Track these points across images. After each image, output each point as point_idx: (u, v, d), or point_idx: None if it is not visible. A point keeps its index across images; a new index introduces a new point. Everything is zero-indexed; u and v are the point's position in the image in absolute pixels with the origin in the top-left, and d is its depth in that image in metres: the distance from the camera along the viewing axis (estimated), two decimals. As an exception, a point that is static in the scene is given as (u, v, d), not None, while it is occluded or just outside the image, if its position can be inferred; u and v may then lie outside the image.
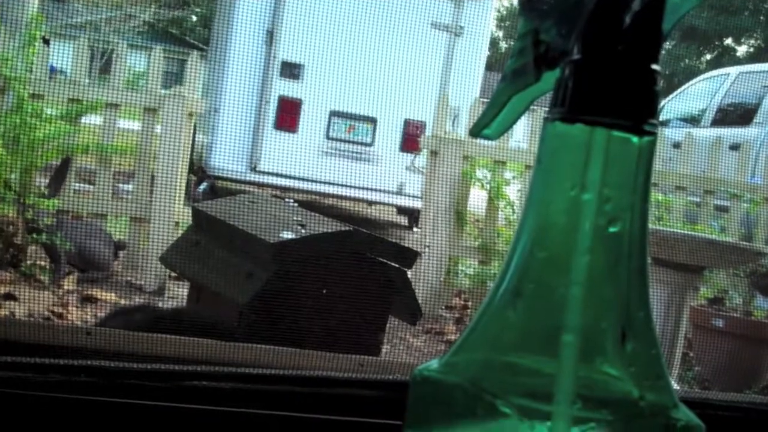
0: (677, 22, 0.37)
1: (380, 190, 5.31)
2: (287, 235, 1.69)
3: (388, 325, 2.08)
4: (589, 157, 0.35)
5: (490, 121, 0.41)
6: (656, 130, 0.35)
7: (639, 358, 0.35)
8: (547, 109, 0.36)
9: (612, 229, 0.35)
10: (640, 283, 0.36)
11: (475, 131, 0.41)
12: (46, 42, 3.48)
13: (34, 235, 3.34)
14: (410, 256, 1.97)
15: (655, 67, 0.35)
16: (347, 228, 1.84)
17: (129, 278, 3.71)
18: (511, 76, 0.39)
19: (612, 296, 0.35)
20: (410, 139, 5.36)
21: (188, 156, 4.14)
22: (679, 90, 7.23)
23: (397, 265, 1.85)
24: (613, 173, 0.35)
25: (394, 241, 2.07)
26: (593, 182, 0.35)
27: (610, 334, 0.35)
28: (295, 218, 1.63)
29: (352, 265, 1.66)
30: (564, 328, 0.34)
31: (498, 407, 0.34)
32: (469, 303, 4.05)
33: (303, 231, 1.43)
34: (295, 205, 1.72)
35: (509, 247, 0.37)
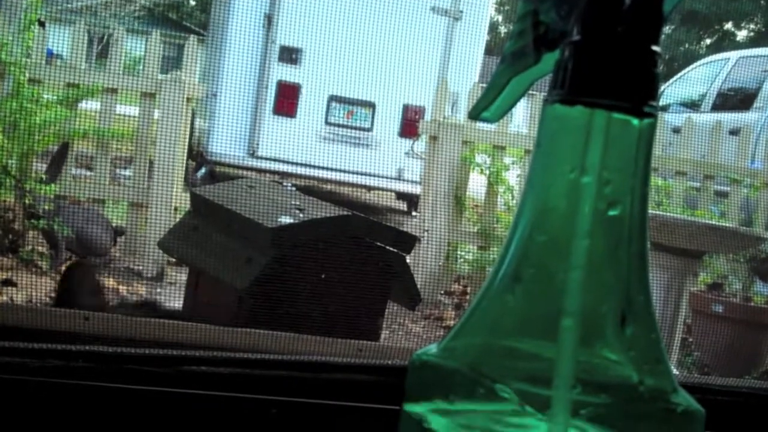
0: (677, 4, 0.37)
1: (379, 176, 5.31)
2: (286, 219, 1.68)
3: (387, 311, 2.08)
4: (589, 139, 0.34)
5: (490, 104, 0.40)
6: (656, 112, 0.35)
7: (639, 342, 0.35)
8: (546, 93, 0.36)
9: (612, 213, 0.34)
10: (640, 267, 0.35)
11: (474, 114, 0.41)
12: (42, 24, 3.46)
13: (33, 221, 3.34)
14: (409, 241, 1.97)
15: (655, 48, 0.34)
16: (346, 213, 1.84)
17: (128, 264, 3.71)
18: (511, 57, 0.39)
19: (612, 280, 0.35)
20: (409, 124, 5.35)
21: (187, 141, 4.14)
22: (678, 75, 7.22)
23: (395, 250, 1.85)
24: (613, 156, 0.34)
25: (392, 225, 2.07)
26: (593, 165, 0.34)
27: (609, 319, 0.35)
28: (293, 203, 1.63)
29: (351, 250, 1.66)
30: (563, 312, 0.34)
31: (497, 392, 0.34)
32: (469, 288, 4.05)
33: (301, 215, 1.42)
34: (294, 189, 1.72)
35: (508, 231, 0.37)
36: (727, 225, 3.89)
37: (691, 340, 3.62)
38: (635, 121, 0.34)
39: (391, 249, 1.81)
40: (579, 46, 0.35)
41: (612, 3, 0.34)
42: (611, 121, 0.34)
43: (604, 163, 0.34)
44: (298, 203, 1.50)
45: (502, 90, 0.39)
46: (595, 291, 0.35)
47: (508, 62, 0.39)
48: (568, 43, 0.35)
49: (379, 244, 1.76)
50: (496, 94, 0.40)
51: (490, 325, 0.36)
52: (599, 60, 0.34)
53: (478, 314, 0.37)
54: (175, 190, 3.70)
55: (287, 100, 5.38)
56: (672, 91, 6.68)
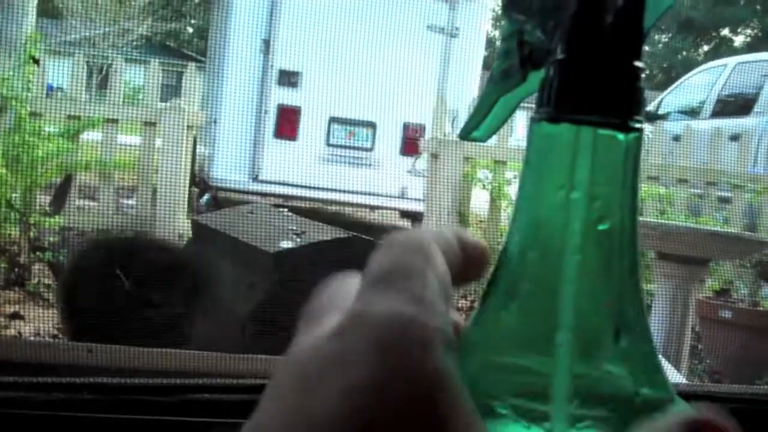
0: (659, 19, 0.37)
1: (382, 195, 5.31)
2: (286, 244, 1.69)
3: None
4: (576, 155, 0.35)
5: (479, 123, 0.41)
6: (642, 126, 0.35)
7: (634, 353, 0.35)
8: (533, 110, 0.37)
9: (602, 227, 0.35)
10: (632, 280, 0.36)
11: (464, 134, 0.41)
12: (36, 62, 3.49)
13: (39, 254, 3.35)
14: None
15: (638, 63, 0.35)
16: (346, 235, 1.84)
17: (134, 292, 3.71)
18: (498, 77, 0.39)
19: (604, 293, 0.35)
20: (410, 142, 5.36)
21: (189, 168, 4.15)
22: (677, 82, 7.23)
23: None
24: (601, 171, 0.35)
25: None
26: (581, 181, 0.34)
27: (604, 332, 0.35)
28: (290, 228, 1.64)
29: (353, 271, 1.65)
30: (558, 327, 0.34)
31: (494, 408, 0.34)
32: (476, 305, 4.04)
33: (299, 240, 1.43)
34: (290, 214, 1.72)
35: (501, 249, 0.37)
36: (731, 231, 3.88)
37: (700, 347, 3.60)
38: (621, 136, 0.35)
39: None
40: (563, 64, 0.35)
41: (594, 21, 0.34)
42: (598, 137, 0.34)
43: (592, 179, 0.34)
44: (294, 228, 1.50)
45: (490, 109, 0.40)
46: (588, 305, 0.35)
47: (496, 82, 0.39)
48: (553, 62, 0.35)
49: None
50: (485, 113, 0.40)
51: (485, 342, 0.36)
52: (583, 77, 0.34)
53: (473, 331, 0.37)
54: (179, 217, 3.71)
55: (288, 123, 5.40)
56: (671, 99, 6.69)
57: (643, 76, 0.35)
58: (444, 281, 0.35)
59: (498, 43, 0.41)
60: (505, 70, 0.39)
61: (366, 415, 0.30)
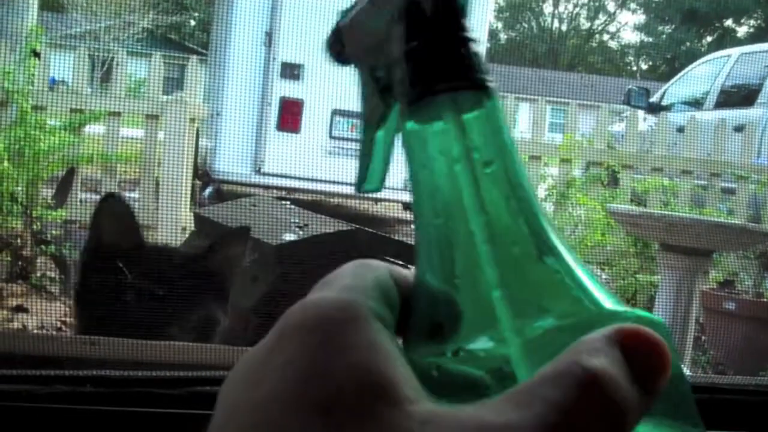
0: None
1: (385, 187, 5.30)
2: (289, 237, 1.69)
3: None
4: (449, 129, 0.38)
5: (366, 174, 0.43)
6: (487, 78, 0.39)
7: (560, 268, 0.37)
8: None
9: (488, 170, 0.38)
10: (536, 210, 0.38)
11: (357, 188, 0.44)
12: (37, 55, 3.49)
13: (43, 247, 3.35)
14: (412, 252, 1.97)
15: (465, 34, 0.39)
16: (349, 227, 1.84)
17: (138, 285, 3.71)
18: (366, 118, 0.42)
19: (515, 227, 0.38)
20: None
21: (192, 161, 4.15)
22: (681, 73, 7.21)
23: (400, 263, 1.84)
24: (472, 129, 0.38)
25: (396, 238, 2.07)
26: (459, 149, 0.38)
27: (528, 257, 0.37)
28: (293, 221, 1.64)
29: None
30: (490, 286, 0.36)
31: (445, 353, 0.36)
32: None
33: (301, 233, 1.43)
34: (293, 207, 1.72)
35: (415, 238, 0.40)
36: (736, 222, 3.88)
37: (704, 338, 3.60)
38: (476, 95, 0.38)
39: (396, 262, 1.80)
40: (407, 57, 0.39)
41: (419, 17, 0.39)
42: (459, 103, 0.38)
43: (469, 145, 0.38)
44: (297, 220, 1.50)
45: (371, 154, 0.43)
46: (505, 242, 0.37)
47: (366, 124, 0.42)
48: (398, 69, 0.39)
49: (384, 257, 1.75)
50: (369, 160, 0.43)
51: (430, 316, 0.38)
52: (424, 59, 0.39)
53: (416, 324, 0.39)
54: (182, 210, 3.72)
55: (291, 115, 5.40)
56: (675, 90, 6.68)
57: (473, 43, 0.39)
58: (383, 283, 0.38)
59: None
60: (370, 109, 0.42)
61: (300, 384, 0.32)
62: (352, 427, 0.31)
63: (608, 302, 0.36)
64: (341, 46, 0.44)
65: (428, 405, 0.32)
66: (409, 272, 0.41)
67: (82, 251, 1.42)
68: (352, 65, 0.44)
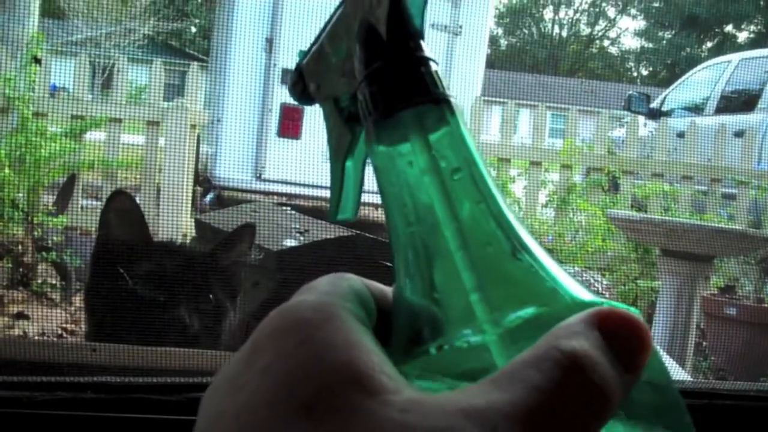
0: (423, 13, 0.42)
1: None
2: (290, 242, 1.69)
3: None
4: (411, 138, 0.39)
5: (339, 204, 0.45)
6: (446, 92, 0.40)
7: (533, 263, 0.38)
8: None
9: (456, 177, 0.39)
10: (505, 211, 0.39)
11: (332, 218, 0.45)
12: (38, 61, 3.50)
13: (44, 254, 3.35)
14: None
15: (421, 54, 0.40)
16: (350, 233, 1.85)
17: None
18: (334, 150, 0.44)
19: (488, 228, 0.38)
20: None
21: (193, 167, 4.15)
22: (681, 79, 7.21)
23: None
24: (438, 142, 0.39)
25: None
26: (426, 161, 0.39)
27: (502, 256, 0.38)
28: (294, 226, 1.64)
29: (356, 269, 1.66)
30: (467, 290, 0.37)
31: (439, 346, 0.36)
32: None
33: (302, 238, 1.44)
34: (294, 213, 1.73)
35: (391, 249, 0.40)
36: (736, 228, 3.88)
37: (705, 344, 3.60)
38: (437, 108, 0.39)
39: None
40: (367, 81, 0.40)
41: (375, 41, 0.40)
42: (419, 115, 0.39)
43: (435, 156, 0.39)
44: (297, 226, 1.51)
45: (342, 183, 0.44)
46: (478, 244, 0.38)
47: (334, 155, 0.44)
48: (360, 87, 0.40)
49: (384, 262, 1.76)
50: (340, 190, 0.44)
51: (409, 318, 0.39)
52: (388, 82, 0.40)
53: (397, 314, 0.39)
54: (183, 216, 3.71)
55: (291, 122, 5.40)
56: (675, 95, 6.68)
57: (429, 62, 0.40)
58: (358, 290, 0.39)
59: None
60: (337, 139, 0.44)
61: (281, 387, 0.32)
62: (334, 424, 0.31)
63: (584, 293, 0.37)
64: (303, 85, 0.45)
65: (409, 393, 0.32)
66: (383, 286, 0.42)
67: (94, 245, 1.45)
68: (316, 103, 0.45)
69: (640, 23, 20.09)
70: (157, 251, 1.41)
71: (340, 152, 0.44)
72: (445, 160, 0.39)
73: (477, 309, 0.36)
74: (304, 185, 5.19)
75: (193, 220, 3.55)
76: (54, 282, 3.48)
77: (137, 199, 4.02)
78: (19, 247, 3.40)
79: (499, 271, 0.38)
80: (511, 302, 0.36)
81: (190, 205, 3.93)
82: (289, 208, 2.39)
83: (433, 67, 0.41)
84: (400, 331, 0.39)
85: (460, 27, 5.58)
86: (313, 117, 5.39)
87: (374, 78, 0.40)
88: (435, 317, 0.38)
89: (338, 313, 0.35)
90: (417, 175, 0.39)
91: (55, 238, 3.36)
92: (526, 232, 0.39)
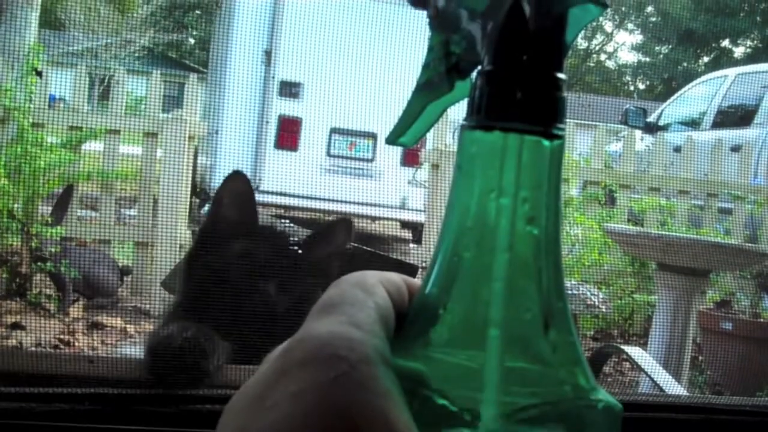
0: (579, 32, 0.40)
1: (383, 206, 5.31)
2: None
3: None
4: (504, 161, 0.37)
5: (406, 129, 0.43)
6: (564, 133, 0.38)
7: (560, 345, 0.37)
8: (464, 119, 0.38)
9: (529, 228, 0.37)
10: (557, 276, 0.38)
11: (391, 139, 0.44)
12: (39, 74, 3.50)
13: (40, 264, 3.35)
14: (410, 271, 1.98)
15: (560, 75, 0.37)
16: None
17: (135, 303, 3.71)
18: (425, 86, 0.42)
19: (533, 290, 0.37)
20: (411, 153, 5.37)
21: (190, 178, 4.16)
22: (678, 93, 7.24)
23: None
24: (528, 176, 0.37)
25: (393, 256, 2.07)
26: (509, 185, 0.37)
27: (533, 325, 0.37)
28: (290, 238, 1.65)
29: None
30: (489, 322, 0.36)
31: (434, 399, 0.36)
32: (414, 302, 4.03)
33: (299, 251, 1.45)
34: (291, 225, 1.73)
35: (434, 250, 0.39)
36: (732, 242, 3.88)
37: (701, 359, 3.60)
38: (546, 143, 0.37)
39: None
40: (491, 76, 0.37)
41: (518, 34, 0.37)
42: (524, 144, 0.37)
43: (519, 183, 0.37)
44: (295, 239, 1.52)
45: (417, 117, 0.42)
46: (518, 300, 0.37)
47: (422, 91, 0.42)
48: (481, 73, 0.38)
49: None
50: (412, 120, 0.42)
51: (424, 339, 0.38)
52: (509, 87, 0.37)
53: (414, 329, 0.39)
54: (180, 228, 3.71)
55: (289, 134, 5.41)
56: (672, 110, 6.70)
57: (564, 86, 0.37)
58: (384, 310, 0.38)
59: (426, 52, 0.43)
60: (432, 80, 0.41)
61: (313, 418, 0.33)
62: None
63: (588, 380, 0.37)
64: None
65: None
66: (401, 282, 0.42)
67: (205, 219, 1.51)
68: (429, 28, 0.42)
69: (637, 38, 20.17)
70: (258, 234, 1.46)
71: (429, 94, 0.41)
72: (528, 204, 0.37)
73: (488, 363, 0.36)
74: (301, 197, 5.19)
75: (189, 231, 3.55)
76: (50, 293, 3.47)
77: (133, 211, 4.03)
78: (16, 258, 3.39)
79: (526, 343, 0.37)
80: (518, 384, 0.36)
81: (187, 217, 3.93)
82: (286, 220, 2.39)
83: (563, 93, 0.37)
84: (409, 328, 0.39)
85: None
86: (311, 129, 5.41)
87: (505, 76, 0.37)
88: (444, 321, 0.38)
89: (371, 356, 0.35)
90: (493, 194, 0.37)
91: (51, 248, 3.36)
92: (565, 303, 0.38)
